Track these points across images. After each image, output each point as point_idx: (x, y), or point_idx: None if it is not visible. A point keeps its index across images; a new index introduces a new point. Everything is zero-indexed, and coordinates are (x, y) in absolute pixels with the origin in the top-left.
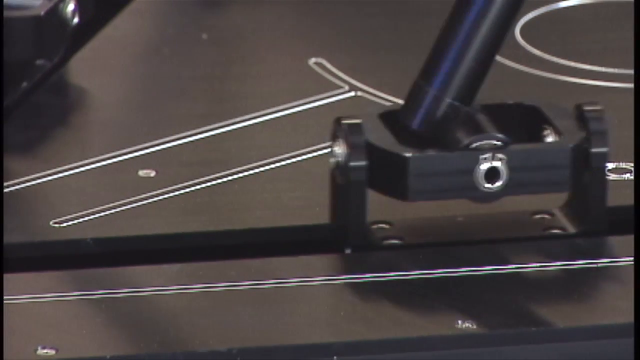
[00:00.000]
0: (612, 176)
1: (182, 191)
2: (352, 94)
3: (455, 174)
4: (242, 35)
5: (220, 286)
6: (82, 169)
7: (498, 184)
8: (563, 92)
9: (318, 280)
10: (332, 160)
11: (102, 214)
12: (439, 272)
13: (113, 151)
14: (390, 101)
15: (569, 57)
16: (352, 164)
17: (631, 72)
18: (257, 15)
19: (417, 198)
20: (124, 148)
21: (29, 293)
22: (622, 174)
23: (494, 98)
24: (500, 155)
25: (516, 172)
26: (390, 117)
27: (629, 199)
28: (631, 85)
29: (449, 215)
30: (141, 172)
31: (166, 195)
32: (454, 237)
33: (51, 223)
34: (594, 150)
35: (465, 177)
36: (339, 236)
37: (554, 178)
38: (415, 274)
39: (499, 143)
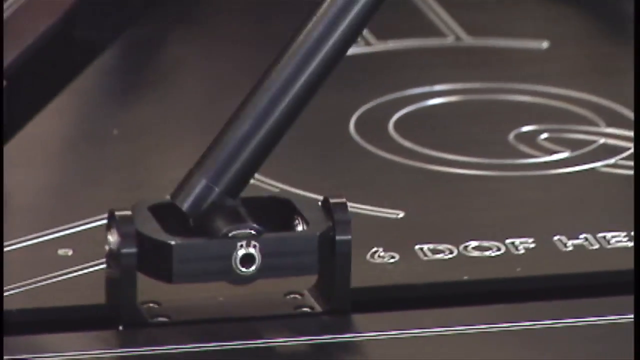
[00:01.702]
0: (476, 253)
1: (96, 268)
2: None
3: (215, 259)
4: (149, 130)
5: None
6: (7, 248)
7: (252, 268)
8: (432, 179)
9: (92, 354)
10: (106, 247)
11: (25, 288)
12: (201, 347)
13: (35, 232)
14: (277, 188)
15: (437, 149)
16: (123, 251)
17: (493, 161)
18: (165, 110)
19: (181, 280)
20: (45, 230)
21: None
22: (485, 251)
23: (366, 186)
24: (254, 243)
25: (269, 257)
26: (158, 209)
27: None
28: (492, 173)
29: (211, 295)
30: (60, 251)
31: (82, 272)
32: (215, 314)
33: None
34: (338, 237)
35: (224, 262)
36: (112, 315)
37: (303, 263)
38: (179, 347)
39: (253, 232)
